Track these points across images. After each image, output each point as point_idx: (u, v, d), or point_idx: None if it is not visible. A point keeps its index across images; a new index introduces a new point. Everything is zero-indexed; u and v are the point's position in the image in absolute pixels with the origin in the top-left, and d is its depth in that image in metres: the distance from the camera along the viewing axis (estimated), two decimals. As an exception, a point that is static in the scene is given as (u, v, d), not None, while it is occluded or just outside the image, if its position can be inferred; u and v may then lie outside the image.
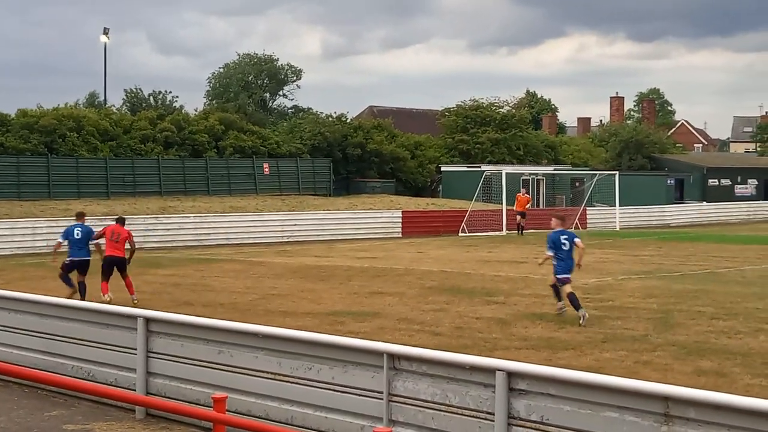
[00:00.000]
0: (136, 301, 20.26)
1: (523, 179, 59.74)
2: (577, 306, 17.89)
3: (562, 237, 18.71)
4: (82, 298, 20.07)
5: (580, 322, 17.52)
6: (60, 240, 21.90)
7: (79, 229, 21.54)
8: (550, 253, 18.88)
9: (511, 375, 8.54)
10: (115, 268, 21.26)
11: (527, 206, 47.30)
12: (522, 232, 45.22)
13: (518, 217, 45.90)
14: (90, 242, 21.60)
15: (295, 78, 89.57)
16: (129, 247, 21.40)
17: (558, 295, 18.91)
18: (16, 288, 18.56)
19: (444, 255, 34.22)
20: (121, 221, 22.25)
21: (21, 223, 37.79)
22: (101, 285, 20.98)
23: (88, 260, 21.45)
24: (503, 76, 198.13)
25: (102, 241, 21.64)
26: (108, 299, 20.10)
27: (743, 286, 24.00)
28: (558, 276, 18.73)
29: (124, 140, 54.27)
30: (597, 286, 23.94)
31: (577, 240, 18.77)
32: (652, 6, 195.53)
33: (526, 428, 8.45)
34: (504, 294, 22.26)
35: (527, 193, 48.68)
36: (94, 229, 22.03)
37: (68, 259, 21.47)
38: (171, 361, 11.39)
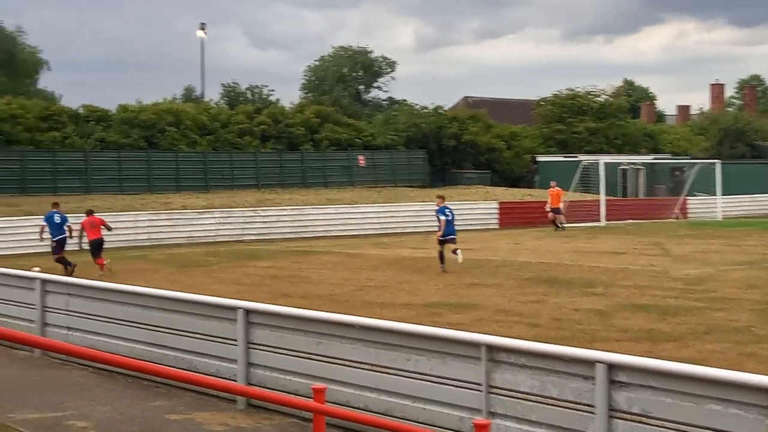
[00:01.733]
0: (102, 274, 24.72)
1: (621, 168, 59.00)
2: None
3: (446, 210, 26.32)
4: (68, 267, 25.66)
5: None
6: (44, 224, 27.41)
7: (58, 215, 27.30)
8: (442, 218, 26.11)
9: (611, 367, 8.43)
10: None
11: (562, 200, 43.29)
12: (560, 226, 42.05)
13: (551, 214, 42.60)
14: (65, 227, 27.15)
15: (389, 70, 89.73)
16: (106, 229, 27.47)
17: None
18: (119, 280, 18.98)
19: (541, 246, 33.97)
20: (90, 212, 28.14)
21: (122, 217, 38.55)
22: (98, 262, 26.43)
23: (66, 237, 27.09)
24: (599, 64, 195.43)
25: (77, 231, 27.24)
26: (109, 263, 26.47)
27: None
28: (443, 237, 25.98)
29: (222, 134, 54.99)
30: (698, 276, 23.52)
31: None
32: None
33: (627, 421, 8.33)
34: (603, 285, 22.00)
35: (558, 185, 43.75)
36: (67, 217, 27.79)
37: (53, 240, 26.96)
38: (271, 351, 11.50)
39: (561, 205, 42.87)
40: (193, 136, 53.28)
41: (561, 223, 42.45)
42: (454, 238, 26.26)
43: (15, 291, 15.98)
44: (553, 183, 44.10)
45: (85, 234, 27.06)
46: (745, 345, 14.66)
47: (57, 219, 27.13)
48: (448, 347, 9.72)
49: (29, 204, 38.71)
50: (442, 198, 27.18)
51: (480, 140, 62.19)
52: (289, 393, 10.88)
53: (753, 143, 73.63)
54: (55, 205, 27.96)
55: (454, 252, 25.88)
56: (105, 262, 26.51)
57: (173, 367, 12.17)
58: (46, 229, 27.08)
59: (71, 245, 27.35)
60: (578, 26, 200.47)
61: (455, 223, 26.72)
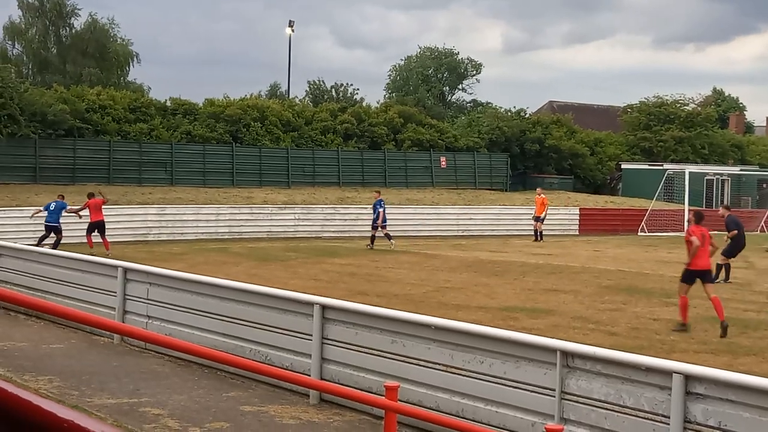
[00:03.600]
0: (108, 254, 26.58)
1: (707, 179, 58.08)
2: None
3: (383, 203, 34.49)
4: (55, 247, 27.78)
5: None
6: (41, 209, 30.28)
7: (55, 203, 29.97)
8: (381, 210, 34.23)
9: (688, 378, 8.31)
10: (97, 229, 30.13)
11: (544, 209, 40.81)
12: (537, 238, 39.91)
13: (535, 222, 40.67)
14: (64, 213, 29.94)
15: (474, 72, 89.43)
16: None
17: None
18: (199, 271, 19.19)
19: (622, 254, 33.59)
20: (92, 195, 30.61)
21: (205, 209, 39.06)
22: (104, 242, 29.64)
23: (57, 225, 29.61)
24: (689, 73, 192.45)
25: (86, 211, 30.32)
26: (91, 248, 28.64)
27: None
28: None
29: (306, 131, 55.32)
30: (782, 291, 23.05)
31: None
32: None
33: (703, 434, 8.21)
34: (683, 296, 21.63)
35: (542, 193, 41.78)
36: (67, 204, 30.43)
37: (46, 223, 29.84)
38: (345, 348, 11.55)
39: (542, 214, 40.74)
40: (276, 132, 53.67)
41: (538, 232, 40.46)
42: (386, 225, 34.77)
43: (97, 278, 16.28)
44: (538, 190, 43.12)
45: (88, 214, 30.21)
46: (829, 363, 14.33)
47: (53, 207, 29.96)
48: (522, 351, 9.67)
49: (115, 194, 39.38)
50: (378, 192, 36.39)
51: (563, 145, 61.71)
52: (361, 390, 10.91)
53: (843, 157, 71.95)
54: (60, 196, 31.03)
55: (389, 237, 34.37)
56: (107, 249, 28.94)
57: (249, 359, 12.29)
58: (42, 213, 30.14)
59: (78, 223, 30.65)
60: (669, 33, 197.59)
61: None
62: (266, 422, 10.79)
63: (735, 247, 25.71)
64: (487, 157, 59.11)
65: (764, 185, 59.35)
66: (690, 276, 17.49)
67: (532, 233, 40.59)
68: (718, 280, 24.53)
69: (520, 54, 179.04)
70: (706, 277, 17.52)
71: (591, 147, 64.41)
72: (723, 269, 25.12)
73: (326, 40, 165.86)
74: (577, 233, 44.88)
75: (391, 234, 35.00)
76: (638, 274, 26.25)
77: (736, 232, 25.75)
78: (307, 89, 75.98)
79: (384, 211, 34.72)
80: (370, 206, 43.33)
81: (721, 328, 16.46)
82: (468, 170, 57.75)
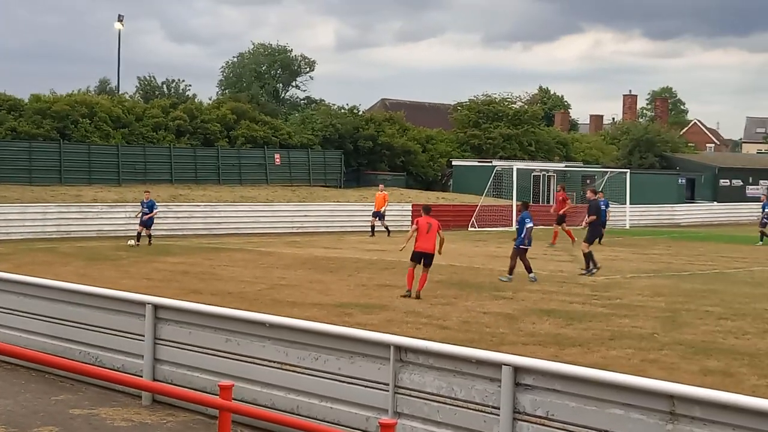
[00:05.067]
0: None
1: (533, 175, 59.72)
2: None
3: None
4: None
5: None
6: None
7: None
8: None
9: (517, 370, 8.54)
10: None
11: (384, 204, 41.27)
12: (374, 233, 40.31)
13: (373, 218, 40.91)
14: None
15: (308, 69, 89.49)
16: None
17: None
18: (26, 272, 18.62)
19: (453, 249, 34.10)
20: None
21: (32, 208, 37.89)
22: None
23: None
24: (517, 71, 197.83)
25: None
26: None
27: (752, 287, 23.96)
28: None
29: (137, 128, 54.35)
30: (605, 283, 23.91)
31: None
32: (669, 4, 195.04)
33: (532, 423, 8.45)
34: (512, 289, 22.25)
35: (385, 189, 42.47)
36: None
37: None
38: (178, 348, 11.42)
39: (382, 209, 41.16)
40: (106, 128, 52.55)
41: (374, 229, 40.88)
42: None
43: None
44: (381, 186, 43.41)
45: None
46: (649, 351, 14.95)
47: None
48: (356, 347, 9.75)
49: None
50: (148, 192, 35.46)
51: (396, 142, 62.44)
52: (196, 390, 10.80)
53: (662, 154, 75.15)
54: None
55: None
56: None
57: (79, 361, 12.02)
58: None
59: None
60: (498, 32, 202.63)
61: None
62: (97, 425, 10.58)
63: (593, 233, 26.47)
64: (321, 154, 59.29)
65: (588, 181, 61.36)
66: (415, 256, 21.24)
67: (369, 229, 40.87)
68: (593, 270, 25.34)
69: (353, 51, 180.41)
70: (427, 258, 21.15)
71: (423, 144, 65.40)
72: (591, 258, 25.80)
73: (156, 35, 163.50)
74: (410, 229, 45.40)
75: (226, 232, 34.55)
76: (469, 269, 26.79)
77: (594, 217, 26.57)
78: (138, 85, 74.54)
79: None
80: (204, 204, 42.99)
81: (414, 296, 20.51)
82: (302, 167, 57.82)
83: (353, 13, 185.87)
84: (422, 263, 21.12)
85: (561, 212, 36.78)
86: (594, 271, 25.54)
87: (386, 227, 41.09)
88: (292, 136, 59.85)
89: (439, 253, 21.43)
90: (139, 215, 34.45)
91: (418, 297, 20.49)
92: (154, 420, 10.83)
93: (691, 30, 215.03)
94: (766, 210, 41.46)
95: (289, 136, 59.58)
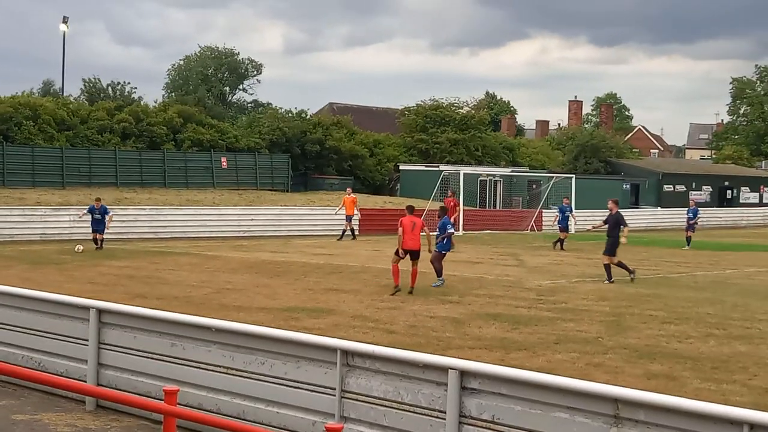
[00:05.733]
0: None
1: (480, 180, 59.98)
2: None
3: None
4: None
5: None
6: None
7: None
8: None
9: (463, 374, 8.57)
10: None
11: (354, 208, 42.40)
12: (342, 237, 41.20)
13: (347, 223, 41.72)
14: None
15: (255, 73, 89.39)
16: None
17: None
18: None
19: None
20: None
21: (-27, 211, 37.36)
22: None
23: None
24: (464, 76, 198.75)
25: None
26: None
27: (695, 291, 24.27)
28: None
29: (81, 130, 53.78)
30: (551, 288, 24.09)
31: None
32: (614, 11, 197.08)
33: (477, 427, 8.48)
34: (458, 293, 22.34)
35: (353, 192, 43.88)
36: None
37: None
38: (123, 353, 11.32)
39: (353, 212, 42.21)
40: (50, 131, 51.95)
41: (345, 232, 41.69)
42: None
43: None
44: (348, 189, 45.28)
45: None
46: (594, 355, 15.08)
47: None
48: (303, 351, 9.73)
49: None
50: (99, 200, 34.45)
51: (343, 146, 62.42)
52: (140, 395, 10.71)
53: (607, 159, 75.83)
54: None
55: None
56: None
57: (21, 366, 11.85)
58: None
59: None
60: (445, 38, 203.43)
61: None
62: (39, 431, 10.46)
63: (613, 245, 26.62)
64: (268, 158, 59.09)
65: (534, 186, 61.80)
66: (402, 253, 22.45)
67: (340, 233, 41.40)
68: (613, 280, 25.55)
69: (301, 55, 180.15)
70: (414, 254, 22.53)
71: (370, 148, 65.46)
72: (610, 268, 26.19)
73: (102, 37, 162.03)
74: (357, 233, 45.38)
75: (172, 236, 34.35)
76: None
77: (606, 228, 26.77)
78: (83, 87, 73.92)
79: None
80: (150, 207, 42.65)
81: (408, 291, 21.94)
82: (249, 171, 57.57)
83: (301, 17, 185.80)
84: (410, 258, 22.57)
85: (452, 218, 37.09)
86: (632, 276, 26.24)
87: (352, 230, 41.62)
88: (239, 139, 59.61)
89: (429, 251, 23.38)
90: (83, 217, 34.18)
91: (410, 292, 21.99)
92: (97, 425, 10.73)
93: (636, 37, 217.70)
94: (689, 215, 42.46)
95: (236, 140, 59.34)
